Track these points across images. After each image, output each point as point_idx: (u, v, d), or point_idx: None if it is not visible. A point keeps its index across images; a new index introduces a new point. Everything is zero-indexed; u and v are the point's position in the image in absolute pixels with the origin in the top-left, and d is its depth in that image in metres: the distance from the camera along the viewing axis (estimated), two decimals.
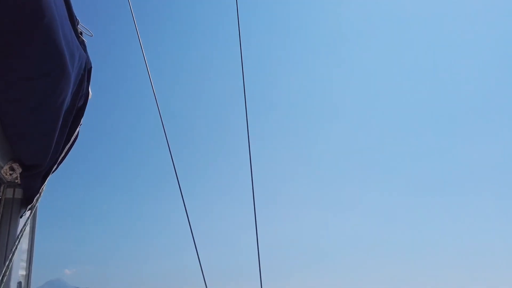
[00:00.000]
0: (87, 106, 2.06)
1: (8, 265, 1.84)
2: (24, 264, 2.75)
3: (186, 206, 3.03)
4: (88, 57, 1.85)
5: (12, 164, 1.88)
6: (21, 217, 2.06)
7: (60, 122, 1.79)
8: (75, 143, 2.15)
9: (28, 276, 2.80)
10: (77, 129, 2.07)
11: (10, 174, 1.89)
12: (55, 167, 2.06)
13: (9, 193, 2.02)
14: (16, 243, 1.92)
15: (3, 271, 1.81)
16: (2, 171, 1.88)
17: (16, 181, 1.96)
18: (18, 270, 2.31)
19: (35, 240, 2.67)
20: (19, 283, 2.42)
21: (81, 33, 1.78)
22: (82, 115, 2.05)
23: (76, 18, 1.68)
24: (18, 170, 1.90)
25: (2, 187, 2.02)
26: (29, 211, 2.13)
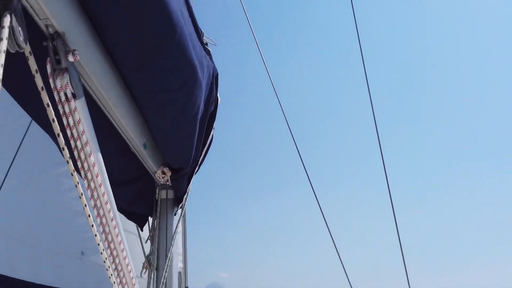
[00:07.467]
0: (217, 110, 2.25)
1: (171, 256, 2.12)
2: (180, 258, 3.13)
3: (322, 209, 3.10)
4: (214, 64, 2.02)
5: (163, 169, 2.16)
6: (174, 215, 2.36)
7: (197, 128, 1.99)
8: (210, 146, 2.36)
9: (184, 269, 3.17)
10: (211, 133, 2.28)
11: (163, 177, 2.18)
12: (196, 168, 2.30)
13: (163, 194, 2.33)
14: (174, 237, 2.21)
15: (168, 260, 2.09)
16: (156, 175, 2.18)
17: (167, 183, 2.25)
18: (178, 263, 2.63)
19: (187, 236, 3.01)
20: (179, 273, 2.75)
21: (206, 44, 1.95)
22: (214, 120, 2.24)
23: (201, 31, 1.85)
24: (168, 173, 2.18)
25: (157, 189, 2.34)
26: (180, 209, 2.42)
